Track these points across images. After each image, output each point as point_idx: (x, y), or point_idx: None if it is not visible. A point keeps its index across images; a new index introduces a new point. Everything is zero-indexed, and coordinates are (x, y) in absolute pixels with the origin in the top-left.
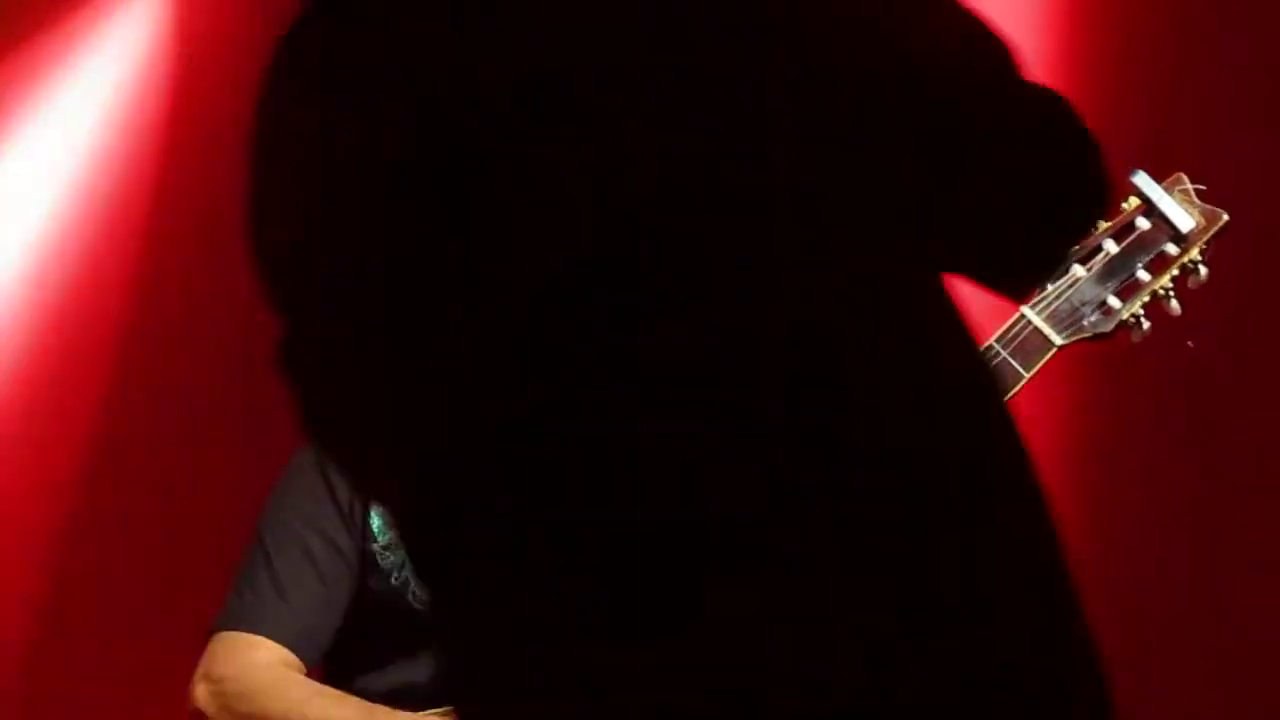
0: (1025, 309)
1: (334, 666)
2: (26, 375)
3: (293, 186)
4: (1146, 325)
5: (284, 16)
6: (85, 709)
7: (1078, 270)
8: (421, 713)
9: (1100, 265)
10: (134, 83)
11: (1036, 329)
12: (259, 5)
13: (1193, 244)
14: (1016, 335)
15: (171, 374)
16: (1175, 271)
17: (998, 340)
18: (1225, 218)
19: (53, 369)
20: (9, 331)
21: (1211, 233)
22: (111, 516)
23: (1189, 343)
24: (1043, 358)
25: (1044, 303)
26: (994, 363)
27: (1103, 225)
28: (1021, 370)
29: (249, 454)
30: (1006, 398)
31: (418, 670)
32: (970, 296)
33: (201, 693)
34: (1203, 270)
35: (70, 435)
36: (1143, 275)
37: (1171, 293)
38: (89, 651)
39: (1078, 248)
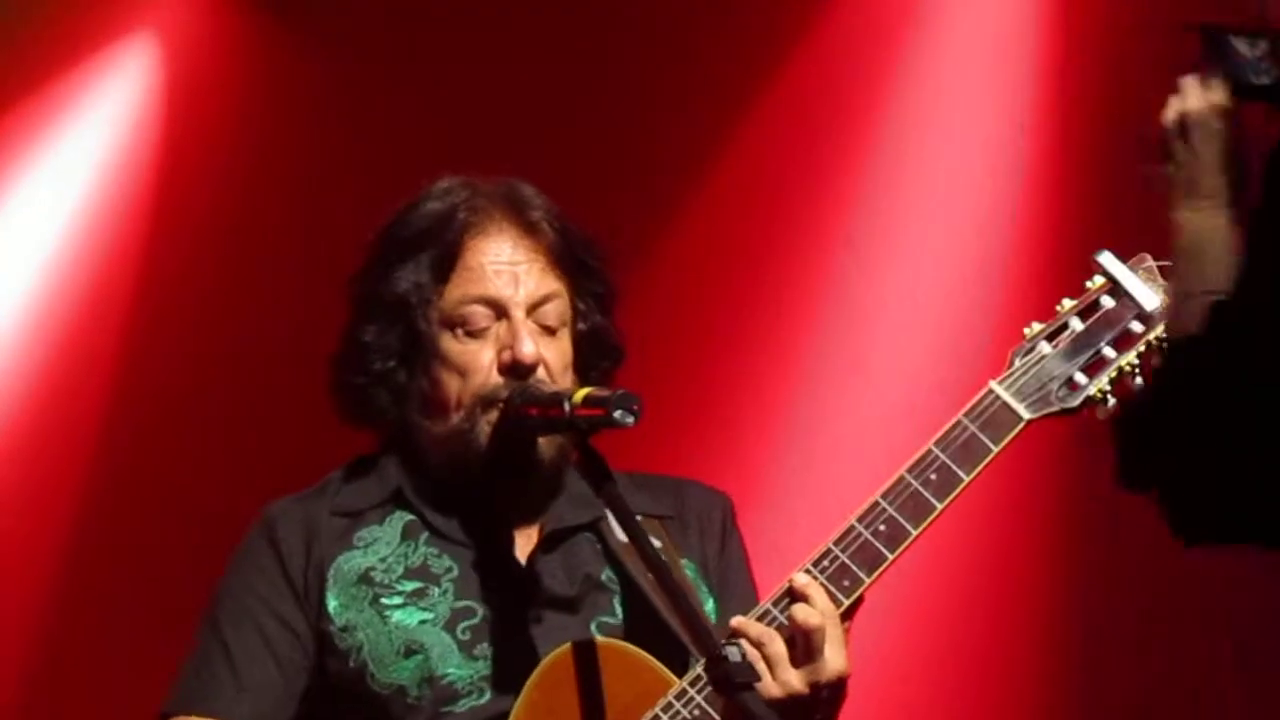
0: (993, 383)
1: None
2: (25, 417)
3: None
4: (1112, 402)
5: (273, 73)
6: None
7: (1044, 347)
8: None
9: (1066, 342)
10: (127, 131)
11: (1005, 404)
12: (246, 59)
13: (1157, 322)
14: (985, 410)
15: (166, 407)
16: (1140, 348)
17: (966, 415)
18: None
19: (50, 413)
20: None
21: None
22: (102, 564)
23: None
24: (1011, 432)
25: (1011, 378)
26: (962, 437)
27: (1068, 303)
28: (990, 444)
29: (239, 495)
30: (975, 472)
31: None
32: (932, 369)
33: None
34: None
35: (70, 464)
36: (1108, 352)
37: (1136, 370)
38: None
39: (1044, 325)
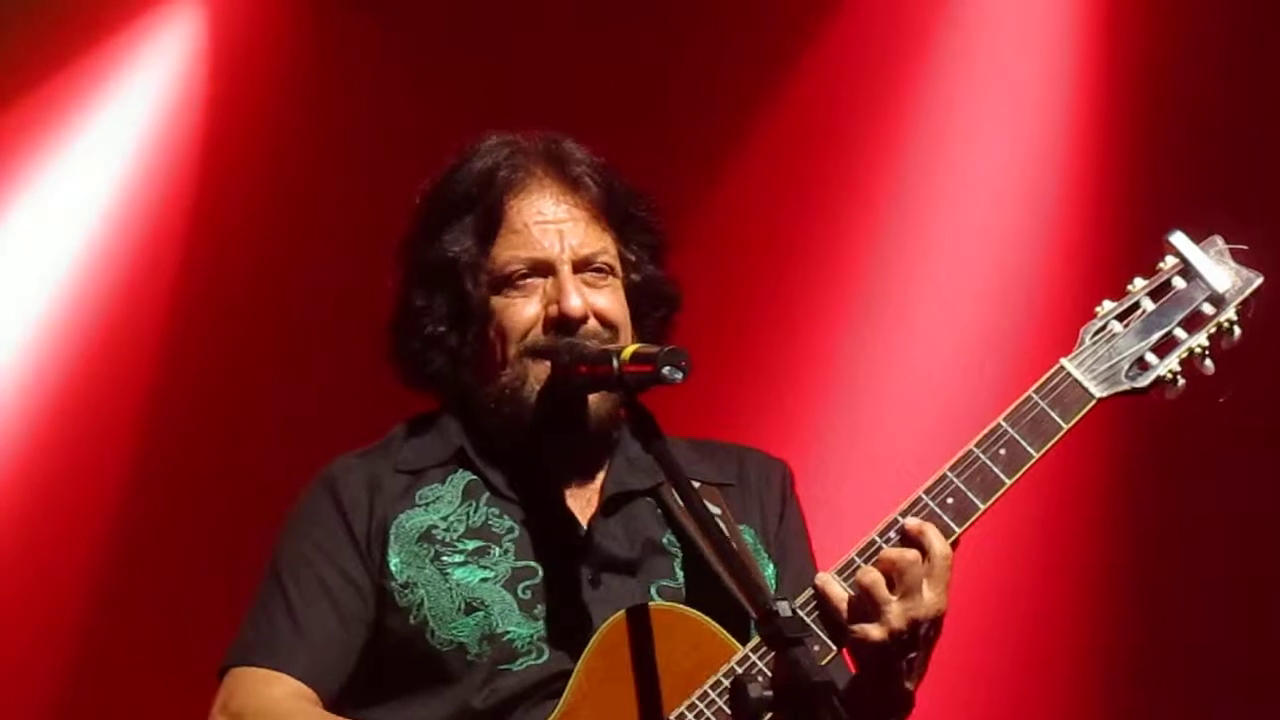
0: (1064, 360)
1: (346, 699)
2: (64, 395)
3: None
4: (1182, 383)
5: (316, 37)
6: None
7: (1115, 325)
8: None
9: (1137, 322)
10: (174, 96)
11: (1075, 381)
12: (293, 27)
13: (1228, 305)
14: (1055, 387)
15: (208, 390)
16: (1211, 330)
17: (1036, 391)
18: (1259, 280)
19: (92, 385)
20: (51, 339)
21: (1246, 294)
22: (141, 549)
23: (1220, 399)
24: (1081, 410)
25: (1082, 355)
26: (1032, 414)
27: (1140, 282)
28: (1060, 421)
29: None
30: (1045, 448)
31: (425, 709)
32: (979, 325)
33: None
34: (1236, 331)
35: (113, 442)
36: (1179, 333)
37: (1206, 352)
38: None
39: (1115, 304)
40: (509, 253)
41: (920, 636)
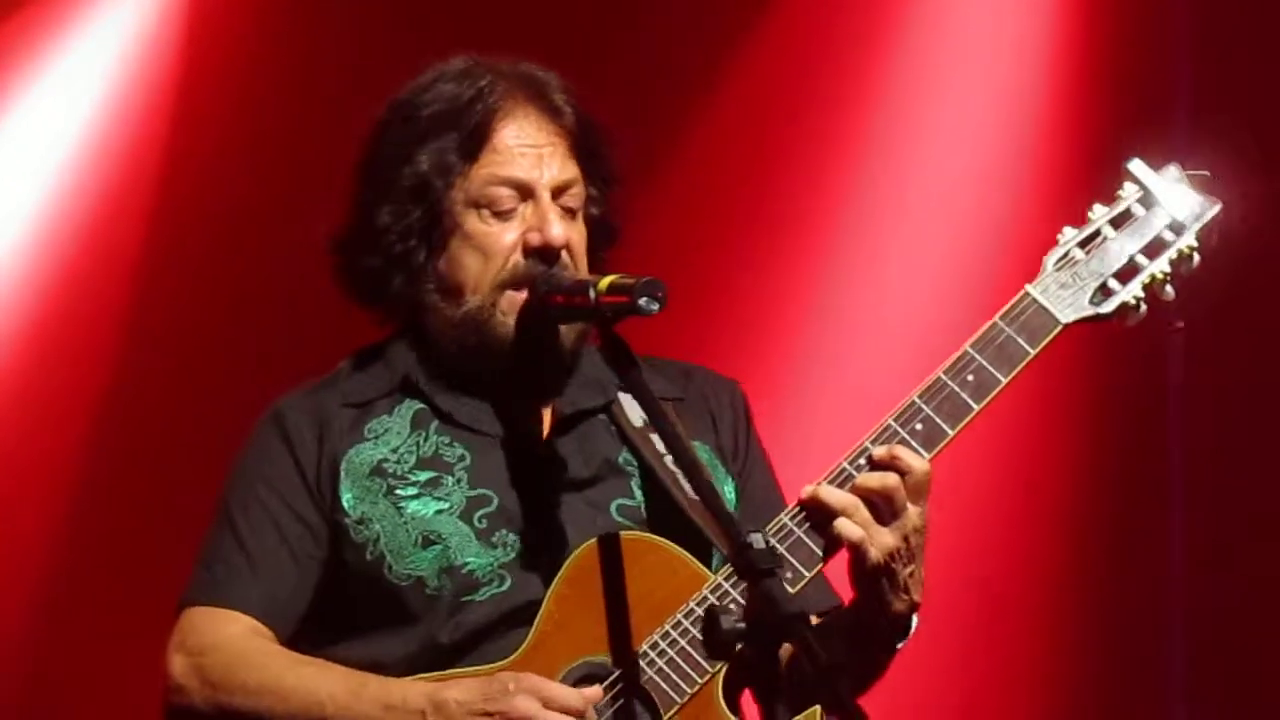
0: (1029, 287)
1: (311, 638)
2: (24, 359)
3: None
4: (1144, 309)
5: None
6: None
7: (1077, 253)
8: (411, 677)
9: (1099, 248)
10: (140, 54)
11: (1041, 307)
12: None
13: (1187, 231)
14: (1021, 313)
15: (171, 356)
16: (1172, 257)
17: (1001, 317)
18: (1218, 207)
19: (52, 349)
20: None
21: (1205, 220)
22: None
23: (1179, 324)
24: (1047, 336)
25: (1045, 282)
26: (998, 340)
27: (1101, 209)
28: (1027, 347)
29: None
30: (1012, 374)
31: (388, 645)
32: (972, 271)
33: (179, 665)
34: (1196, 258)
35: (70, 413)
36: (1140, 260)
37: (1168, 278)
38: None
39: (1077, 231)
40: (489, 172)
41: (911, 549)
